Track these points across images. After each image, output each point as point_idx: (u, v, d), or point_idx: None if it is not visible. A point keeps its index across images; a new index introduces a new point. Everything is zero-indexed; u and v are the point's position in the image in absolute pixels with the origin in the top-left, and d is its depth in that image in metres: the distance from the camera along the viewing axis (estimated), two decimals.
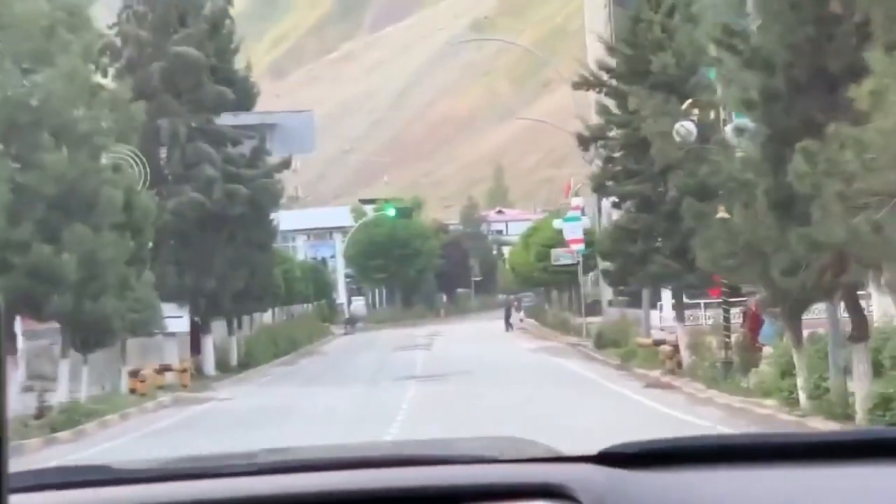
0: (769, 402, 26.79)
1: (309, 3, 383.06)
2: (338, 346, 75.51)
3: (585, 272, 65.18)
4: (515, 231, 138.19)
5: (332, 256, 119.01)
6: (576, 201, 58.88)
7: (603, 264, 40.52)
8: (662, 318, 57.49)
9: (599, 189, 39.13)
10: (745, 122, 24.10)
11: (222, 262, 44.39)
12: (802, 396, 24.95)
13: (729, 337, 32.35)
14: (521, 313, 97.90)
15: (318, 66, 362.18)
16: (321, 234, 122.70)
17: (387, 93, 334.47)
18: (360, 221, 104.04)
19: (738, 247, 22.97)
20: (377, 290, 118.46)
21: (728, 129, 27.59)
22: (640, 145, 37.27)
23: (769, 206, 21.33)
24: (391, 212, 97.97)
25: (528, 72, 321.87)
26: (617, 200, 38.48)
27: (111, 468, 2.87)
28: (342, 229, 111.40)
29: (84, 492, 2.66)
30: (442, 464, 2.84)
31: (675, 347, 38.51)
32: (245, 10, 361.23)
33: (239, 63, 52.12)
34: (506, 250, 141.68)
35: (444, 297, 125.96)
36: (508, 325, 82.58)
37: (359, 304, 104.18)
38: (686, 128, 31.92)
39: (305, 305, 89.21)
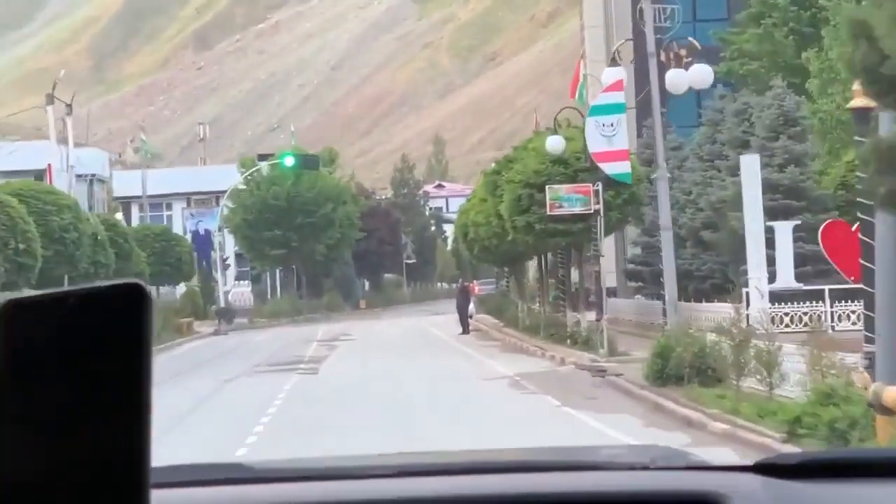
0: None
1: None
2: (167, 360, 45.24)
3: (609, 230, 35.70)
4: (458, 208, 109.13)
5: (221, 229, 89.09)
6: (612, 74, 28.92)
7: None
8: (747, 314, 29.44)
9: None
10: None
11: None
12: None
13: None
14: (472, 306, 68.08)
15: (246, 37, 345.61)
16: (205, 199, 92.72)
17: (319, 66, 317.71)
18: (245, 173, 74.13)
19: None
20: (277, 273, 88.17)
21: None
22: None
23: None
24: (289, 161, 68.07)
25: (473, 44, 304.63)
26: None
27: (246, 466, 2.83)
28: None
29: (220, 489, 2.64)
30: (591, 470, 2.72)
31: None
32: None
33: None
34: (447, 229, 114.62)
35: (367, 284, 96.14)
36: (465, 323, 53.19)
37: (241, 291, 73.57)
38: None
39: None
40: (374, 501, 2.55)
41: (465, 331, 52.41)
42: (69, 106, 72.19)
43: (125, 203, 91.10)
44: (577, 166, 36.15)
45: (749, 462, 2.58)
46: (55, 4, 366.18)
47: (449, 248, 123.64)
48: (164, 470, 2.48)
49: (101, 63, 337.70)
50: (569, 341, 38.84)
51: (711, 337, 25.94)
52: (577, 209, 33.09)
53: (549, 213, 33.66)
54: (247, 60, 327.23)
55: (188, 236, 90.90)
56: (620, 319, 45.65)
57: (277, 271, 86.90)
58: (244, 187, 78.34)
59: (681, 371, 25.11)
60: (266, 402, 25.68)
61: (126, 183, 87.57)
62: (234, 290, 73.18)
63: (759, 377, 21.83)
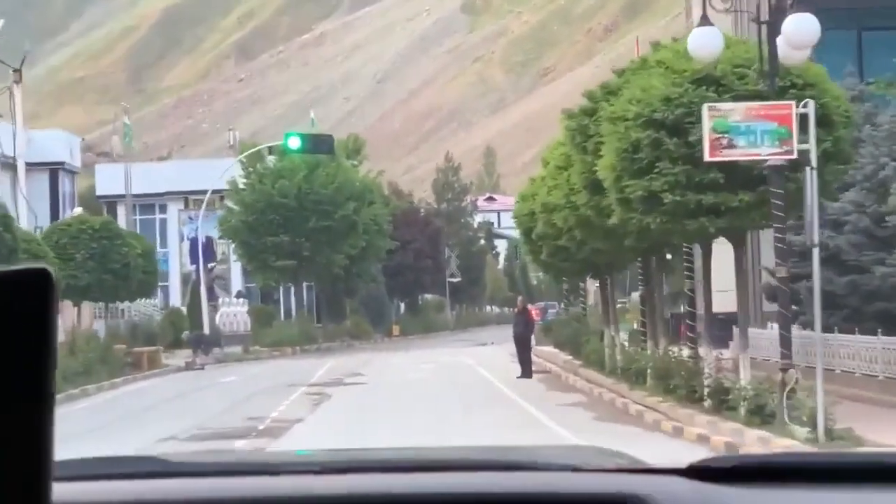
0: None
1: None
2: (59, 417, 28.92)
3: (789, 211, 19.04)
4: (511, 224, 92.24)
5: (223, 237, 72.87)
6: None
7: None
8: None
9: None
10: None
11: None
12: None
13: None
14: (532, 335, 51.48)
15: (290, 48, 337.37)
16: (208, 199, 76.55)
17: (365, 79, 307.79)
18: (239, 157, 58.01)
19: None
20: (292, 291, 71.69)
21: None
22: None
23: None
24: (293, 142, 51.79)
25: (526, 59, 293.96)
26: None
27: (160, 460, 2.73)
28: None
29: (132, 483, 2.52)
30: (523, 470, 2.71)
31: None
32: None
33: None
34: (499, 245, 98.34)
35: (401, 307, 79.78)
36: (526, 362, 36.49)
37: (232, 311, 56.82)
38: None
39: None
40: (294, 498, 2.41)
41: (527, 373, 35.92)
42: (17, 72, 56.23)
43: (110, 203, 75.19)
44: (739, 90, 19.69)
45: (684, 465, 2.52)
46: (91, 13, 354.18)
47: (500, 265, 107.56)
48: (70, 463, 2.37)
49: (138, 74, 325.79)
50: (708, 402, 22.42)
51: None
52: (767, 150, 16.50)
53: (707, 158, 16.94)
54: (290, 72, 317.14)
55: (185, 244, 75.15)
56: (760, 361, 29.20)
57: (292, 289, 70.59)
58: (245, 181, 62.30)
59: None
60: None
61: (112, 179, 71.78)
62: (224, 310, 56.67)
63: None
